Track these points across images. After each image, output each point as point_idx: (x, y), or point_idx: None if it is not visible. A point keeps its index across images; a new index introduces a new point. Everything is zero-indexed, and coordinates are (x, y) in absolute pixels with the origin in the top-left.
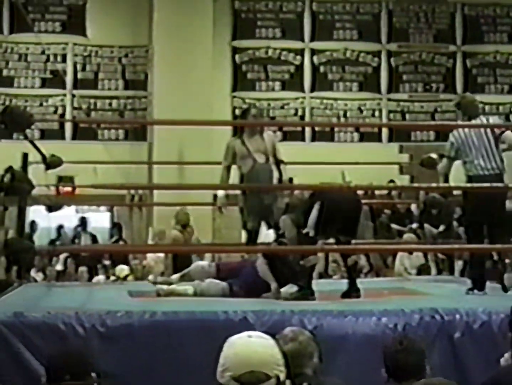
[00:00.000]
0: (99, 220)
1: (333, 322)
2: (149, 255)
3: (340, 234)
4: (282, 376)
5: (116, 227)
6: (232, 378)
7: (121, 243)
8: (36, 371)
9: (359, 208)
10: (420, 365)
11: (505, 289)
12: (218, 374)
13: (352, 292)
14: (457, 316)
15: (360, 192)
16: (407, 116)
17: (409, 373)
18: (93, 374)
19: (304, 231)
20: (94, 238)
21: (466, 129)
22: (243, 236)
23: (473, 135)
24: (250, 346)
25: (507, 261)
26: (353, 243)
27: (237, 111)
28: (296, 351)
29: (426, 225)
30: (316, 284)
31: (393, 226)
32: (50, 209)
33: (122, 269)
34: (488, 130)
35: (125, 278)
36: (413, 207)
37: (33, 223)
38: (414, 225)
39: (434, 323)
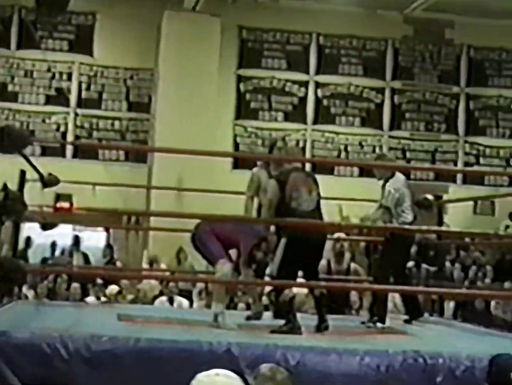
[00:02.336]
0: (95, 238)
1: (316, 359)
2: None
3: (304, 270)
4: None
5: (109, 247)
6: None
7: (113, 264)
8: None
9: (323, 245)
10: None
11: None
12: None
13: (320, 326)
14: (440, 360)
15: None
16: (408, 154)
17: None
18: None
19: (267, 272)
20: (86, 257)
21: None
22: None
23: None
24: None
25: None
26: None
27: (239, 139)
28: None
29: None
30: (301, 318)
31: None
32: (44, 227)
33: (113, 289)
34: None
35: (116, 297)
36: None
37: (28, 239)
38: (410, 264)
39: (417, 366)
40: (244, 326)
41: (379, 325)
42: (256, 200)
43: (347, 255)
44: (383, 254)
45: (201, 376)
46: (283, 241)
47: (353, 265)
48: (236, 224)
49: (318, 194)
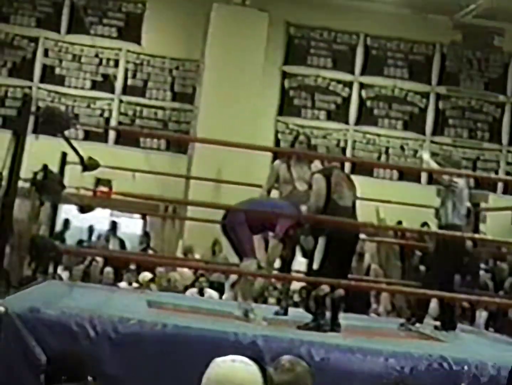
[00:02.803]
0: (131, 225)
1: (341, 357)
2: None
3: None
4: None
5: (146, 235)
6: None
7: (149, 251)
8: (43, 367)
9: (356, 243)
10: None
11: None
12: None
13: (333, 326)
14: (466, 367)
15: (391, 232)
16: None
17: None
18: (90, 378)
19: (315, 267)
20: (122, 243)
21: None
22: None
23: None
24: (232, 371)
25: None
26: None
27: (280, 136)
28: (292, 382)
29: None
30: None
31: (422, 268)
32: (82, 210)
33: (146, 276)
34: None
35: (148, 285)
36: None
37: (66, 221)
38: None
39: (441, 371)
40: (272, 321)
41: (416, 326)
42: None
43: (367, 256)
44: (436, 258)
45: (218, 361)
46: (322, 238)
47: (373, 266)
48: (274, 208)
49: (355, 194)
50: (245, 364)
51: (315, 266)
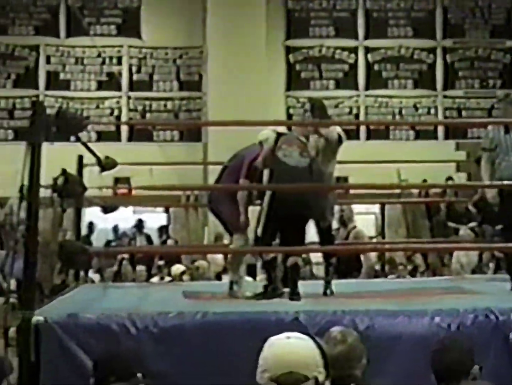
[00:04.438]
0: (156, 220)
1: (385, 322)
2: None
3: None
4: (321, 378)
5: (164, 227)
6: (270, 379)
7: (169, 242)
8: (89, 371)
9: (306, 208)
10: (464, 364)
11: None
12: (257, 375)
13: (293, 295)
14: None
15: (415, 191)
16: (463, 113)
17: (453, 373)
18: (139, 375)
19: (257, 234)
20: (149, 239)
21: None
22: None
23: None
24: (289, 347)
25: None
26: (410, 241)
27: (291, 111)
28: (345, 353)
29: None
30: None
31: (450, 224)
32: (106, 210)
33: (178, 268)
34: None
35: (180, 277)
36: (470, 204)
37: (91, 224)
38: (473, 224)
39: (488, 323)
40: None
41: None
42: None
43: (351, 224)
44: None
45: (272, 340)
46: (266, 198)
47: (354, 230)
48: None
49: (312, 160)
50: (301, 340)
51: (258, 231)
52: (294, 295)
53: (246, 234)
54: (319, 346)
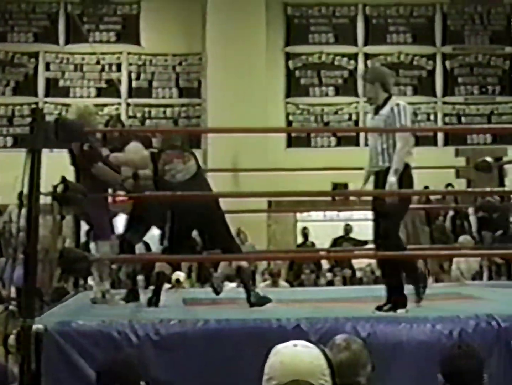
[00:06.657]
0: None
1: (387, 329)
2: None
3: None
4: None
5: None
6: None
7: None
8: (91, 379)
9: (211, 214)
10: (479, 372)
11: None
12: (263, 382)
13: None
14: None
15: (416, 197)
16: (463, 119)
17: (467, 380)
18: (142, 383)
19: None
20: (147, 246)
21: None
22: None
23: None
24: (296, 355)
25: None
26: (409, 248)
27: (291, 117)
28: (350, 361)
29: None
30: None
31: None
32: None
33: (178, 275)
34: None
35: (180, 284)
36: (470, 210)
37: (89, 231)
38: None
39: (490, 329)
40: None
41: None
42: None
43: None
44: None
45: (279, 347)
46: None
47: None
48: None
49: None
50: (307, 348)
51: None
52: (154, 303)
53: (112, 240)
54: (325, 354)
